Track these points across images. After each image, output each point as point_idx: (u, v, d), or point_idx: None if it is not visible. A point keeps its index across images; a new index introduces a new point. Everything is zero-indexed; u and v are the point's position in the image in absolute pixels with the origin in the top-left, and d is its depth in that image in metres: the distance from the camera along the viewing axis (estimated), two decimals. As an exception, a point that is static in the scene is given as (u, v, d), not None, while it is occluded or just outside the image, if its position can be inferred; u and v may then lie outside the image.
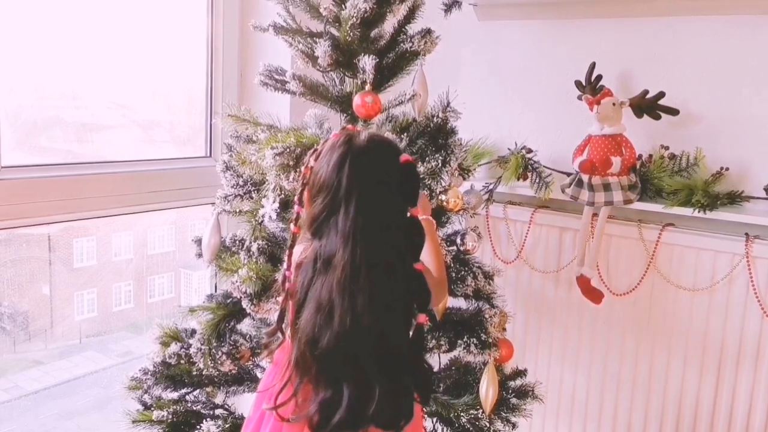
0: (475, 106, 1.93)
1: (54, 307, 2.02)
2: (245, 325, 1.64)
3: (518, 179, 2.08)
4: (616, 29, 2.02)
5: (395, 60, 1.60)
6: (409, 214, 1.19)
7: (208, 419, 1.58)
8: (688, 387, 1.92)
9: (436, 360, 1.71)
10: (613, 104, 1.86)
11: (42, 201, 1.63)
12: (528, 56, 2.18)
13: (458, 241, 1.68)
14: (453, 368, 1.76)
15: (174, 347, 1.58)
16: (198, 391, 1.69)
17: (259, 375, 1.70)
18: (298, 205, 1.23)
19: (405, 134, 1.57)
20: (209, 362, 1.54)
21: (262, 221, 1.53)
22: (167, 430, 1.59)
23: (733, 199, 1.82)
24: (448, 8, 1.98)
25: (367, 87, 1.48)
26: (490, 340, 1.61)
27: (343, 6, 1.50)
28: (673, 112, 1.84)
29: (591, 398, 2.09)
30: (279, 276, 1.34)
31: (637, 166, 1.91)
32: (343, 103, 1.59)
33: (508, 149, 2.15)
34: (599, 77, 1.93)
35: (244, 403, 1.64)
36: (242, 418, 1.55)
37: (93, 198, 1.73)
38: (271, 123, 1.57)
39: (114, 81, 1.90)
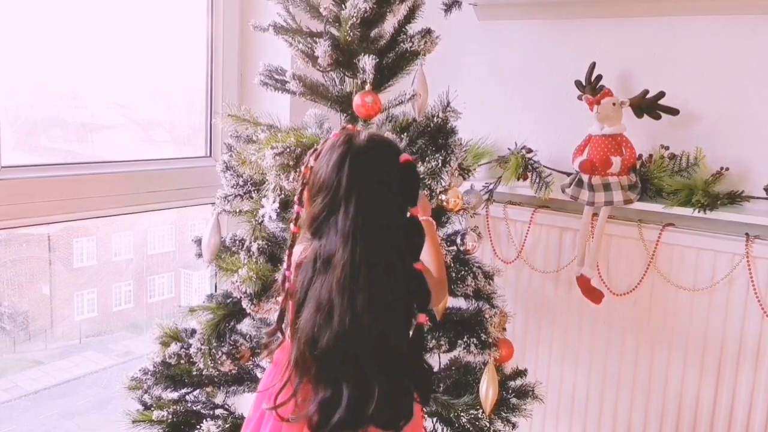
0: (475, 106, 1.93)
1: (54, 307, 2.02)
2: (245, 325, 1.64)
3: (518, 179, 2.08)
4: (616, 29, 2.02)
5: (395, 60, 1.60)
6: (409, 214, 1.19)
7: (208, 419, 1.58)
8: (688, 387, 1.92)
9: (436, 360, 1.71)
10: (613, 104, 1.86)
11: (42, 201, 1.63)
12: (528, 56, 2.18)
13: (458, 241, 1.68)
14: (453, 368, 1.76)
15: (174, 347, 1.58)
16: (198, 391, 1.69)
17: (259, 375, 1.70)
18: (298, 205, 1.23)
19: (405, 134, 1.57)
20: (209, 362, 1.54)
21: (262, 221, 1.53)
22: (167, 430, 1.59)
23: (733, 199, 1.82)
24: (448, 8, 1.98)
25: (367, 87, 1.48)
26: (490, 340, 1.61)
27: (343, 6, 1.50)
28: (673, 112, 1.84)
29: (591, 398, 2.09)
30: (279, 276, 1.34)
31: (637, 166, 1.91)
32: (343, 103, 1.59)
33: (508, 149, 2.15)
34: (599, 77, 1.93)
35: (244, 403, 1.64)
36: (242, 418, 1.55)
37: (93, 198, 1.74)
38: (271, 123, 1.57)
39: (114, 81, 1.90)
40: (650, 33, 1.97)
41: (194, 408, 1.64)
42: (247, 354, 1.58)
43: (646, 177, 1.92)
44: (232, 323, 1.60)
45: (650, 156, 1.95)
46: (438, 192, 1.59)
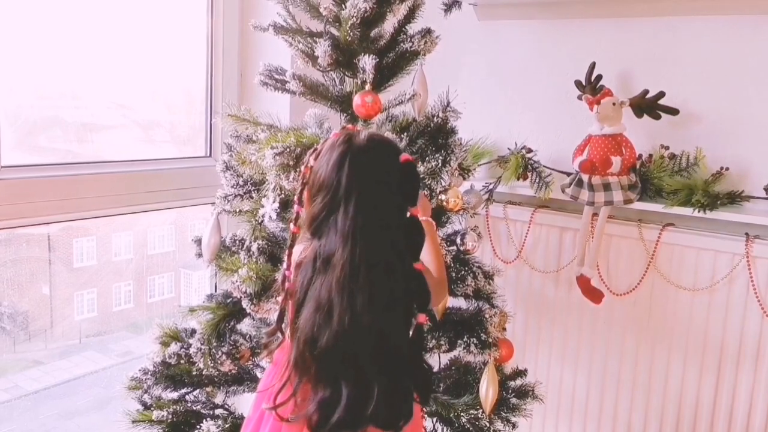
0: (475, 106, 1.93)
1: (54, 307, 2.02)
2: (245, 325, 1.64)
3: (518, 179, 2.08)
4: (616, 29, 2.02)
5: (395, 60, 1.60)
6: (408, 214, 1.19)
7: (208, 419, 1.58)
8: (688, 387, 1.92)
9: (436, 360, 1.71)
10: (613, 104, 1.86)
11: (42, 201, 1.63)
12: (528, 56, 2.18)
13: (458, 241, 1.68)
14: (453, 368, 1.76)
15: (174, 347, 1.59)
16: (198, 391, 1.69)
17: (259, 375, 1.70)
18: (298, 205, 1.23)
19: (405, 134, 1.57)
20: (209, 362, 1.54)
21: (262, 221, 1.53)
22: (167, 430, 1.59)
23: (733, 199, 1.82)
24: (448, 8, 1.98)
25: (367, 87, 1.48)
26: (490, 340, 1.61)
27: (343, 6, 1.50)
28: (673, 112, 1.84)
29: (591, 398, 2.09)
30: (279, 276, 1.34)
31: (637, 166, 1.91)
32: (343, 102, 1.59)
33: (508, 149, 2.15)
34: (599, 77, 1.93)
35: (244, 403, 1.64)
36: (242, 418, 1.55)
37: (93, 198, 1.74)
38: (271, 123, 1.57)
39: (114, 81, 1.90)
40: (650, 33, 1.97)
41: (194, 408, 1.64)
42: (247, 354, 1.58)
43: (646, 177, 1.92)
44: (232, 323, 1.60)
45: (650, 156, 1.95)
46: (438, 192, 1.59)
